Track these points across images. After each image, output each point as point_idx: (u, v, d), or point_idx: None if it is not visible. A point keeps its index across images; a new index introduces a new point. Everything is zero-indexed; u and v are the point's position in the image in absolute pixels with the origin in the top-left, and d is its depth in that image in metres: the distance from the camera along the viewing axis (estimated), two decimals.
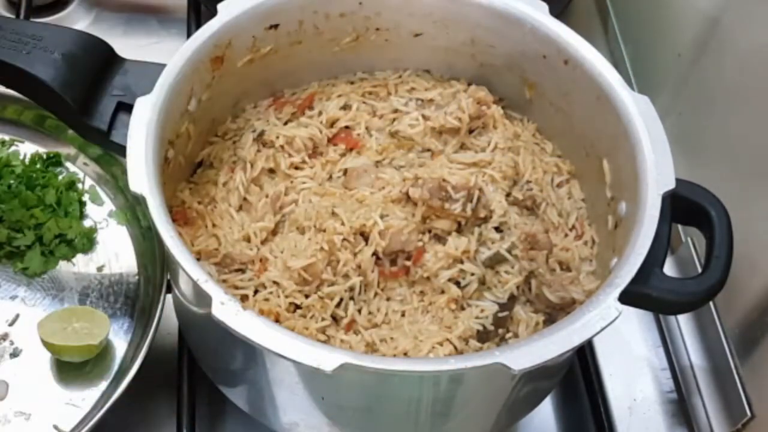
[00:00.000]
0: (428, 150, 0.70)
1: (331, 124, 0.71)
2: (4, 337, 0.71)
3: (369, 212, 0.63)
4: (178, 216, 0.66)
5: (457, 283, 0.62)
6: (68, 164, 0.81)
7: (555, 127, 0.72)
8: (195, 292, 0.60)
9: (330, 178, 0.68)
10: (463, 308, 0.62)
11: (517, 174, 0.69)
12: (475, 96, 0.70)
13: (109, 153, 0.79)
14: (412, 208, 0.64)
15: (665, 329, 0.80)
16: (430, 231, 0.64)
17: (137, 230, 0.78)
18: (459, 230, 0.64)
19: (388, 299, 0.62)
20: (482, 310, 0.62)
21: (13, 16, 0.94)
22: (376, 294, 0.62)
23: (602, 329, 0.53)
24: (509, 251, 0.63)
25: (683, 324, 0.77)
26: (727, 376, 0.71)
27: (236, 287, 0.62)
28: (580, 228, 0.68)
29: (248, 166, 0.68)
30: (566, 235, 0.68)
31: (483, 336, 0.61)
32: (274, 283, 0.61)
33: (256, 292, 0.61)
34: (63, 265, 0.76)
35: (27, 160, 0.80)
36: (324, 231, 0.62)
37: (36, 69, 0.63)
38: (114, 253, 0.77)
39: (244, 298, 0.61)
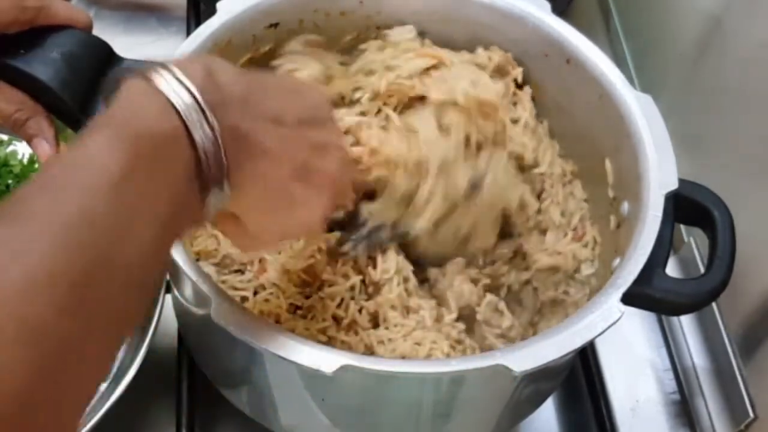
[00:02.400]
0: None
1: None
2: None
3: None
4: None
5: None
6: None
7: (557, 126, 0.72)
8: (194, 293, 0.59)
9: None
10: None
11: (524, 160, 0.68)
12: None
13: None
14: None
15: (668, 330, 0.79)
16: None
17: None
18: None
19: None
20: None
21: None
22: None
23: (604, 330, 0.52)
24: None
25: (686, 325, 0.77)
26: (730, 377, 0.70)
27: (236, 288, 0.61)
28: (582, 228, 0.68)
29: None
30: (566, 234, 0.67)
31: None
32: (274, 284, 0.61)
33: (255, 293, 0.61)
34: None
35: (25, 160, 0.80)
36: None
37: (34, 68, 0.62)
38: None
39: (243, 299, 0.61)
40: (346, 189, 0.53)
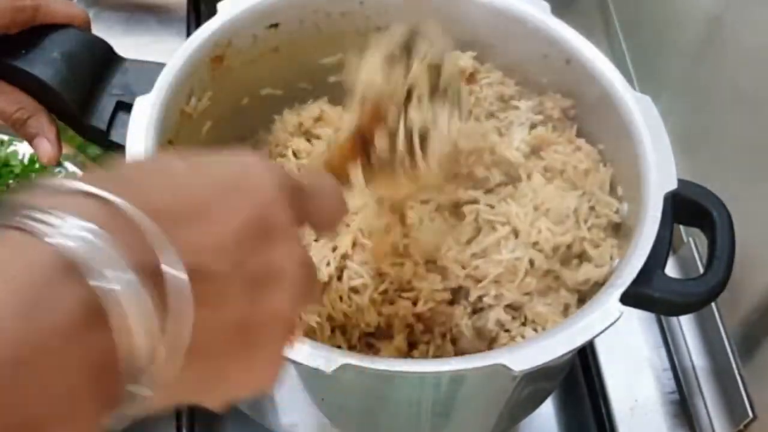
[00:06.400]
0: None
1: None
2: None
3: None
4: None
5: None
6: (67, 164, 0.81)
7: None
8: None
9: None
10: None
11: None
12: None
13: (109, 153, 0.79)
14: None
15: (667, 330, 0.79)
16: None
17: None
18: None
19: None
20: None
21: None
22: None
23: (603, 330, 0.52)
24: None
25: (685, 325, 0.77)
26: (729, 376, 0.70)
27: None
28: None
29: None
30: None
31: None
32: None
33: None
34: None
35: (26, 160, 0.80)
36: None
37: (35, 68, 0.63)
38: None
39: None
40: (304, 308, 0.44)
